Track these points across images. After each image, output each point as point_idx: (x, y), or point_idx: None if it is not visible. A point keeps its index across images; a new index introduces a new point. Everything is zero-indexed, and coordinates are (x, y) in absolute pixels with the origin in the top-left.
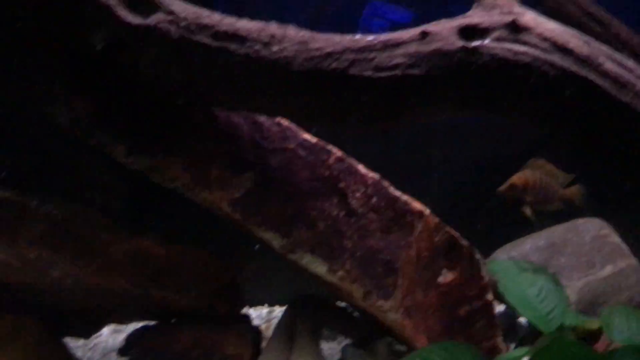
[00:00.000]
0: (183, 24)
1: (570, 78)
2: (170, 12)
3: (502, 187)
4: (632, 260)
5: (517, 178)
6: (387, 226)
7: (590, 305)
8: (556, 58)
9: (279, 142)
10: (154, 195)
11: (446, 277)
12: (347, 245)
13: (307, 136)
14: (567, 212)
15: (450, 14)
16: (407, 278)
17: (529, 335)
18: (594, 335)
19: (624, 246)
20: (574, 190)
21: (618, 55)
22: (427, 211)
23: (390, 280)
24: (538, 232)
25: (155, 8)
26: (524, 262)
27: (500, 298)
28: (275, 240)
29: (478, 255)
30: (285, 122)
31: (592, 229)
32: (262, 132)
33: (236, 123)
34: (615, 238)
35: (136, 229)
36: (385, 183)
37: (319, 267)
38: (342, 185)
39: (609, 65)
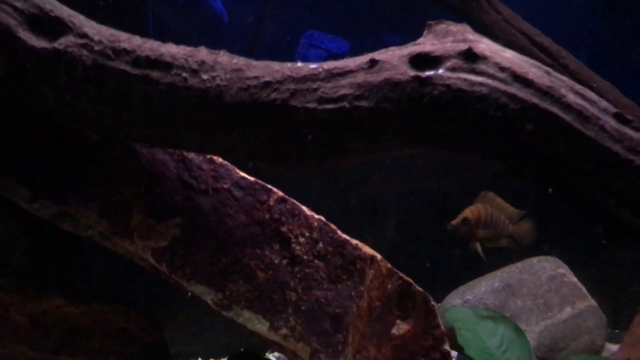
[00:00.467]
0: (97, 48)
1: (532, 111)
2: (83, 35)
3: (455, 221)
4: (591, 302)
5: (470, 212)
6: (335, 275)
7: (549, 351)
8: (515, 89)
9: (211, 181)
10: (64, 245)
11: (400, 328)
12: (291, 298)
13: (243, 174)
14: (515, 249)
15: (385, 44)
16: (358, 333)
17: None
18: None
19: (581, 286)
20: (524, 226)
21: (579, 87)
22: (378, 256)
23: (340, 337)
24: (492, 273)
25: (65, 30)
26: (483, 310)
27: (455, 347)
28: (207, 295)
29: (433, 302)
30: (217, 158)
31: (548, 268)
32: (192, 171)
33: (161, 161)
34: (572, 277)
35: (43, 286)
36: (332, 226)
37: (259, 325)
38: (284, 229)
39: (572, 98)
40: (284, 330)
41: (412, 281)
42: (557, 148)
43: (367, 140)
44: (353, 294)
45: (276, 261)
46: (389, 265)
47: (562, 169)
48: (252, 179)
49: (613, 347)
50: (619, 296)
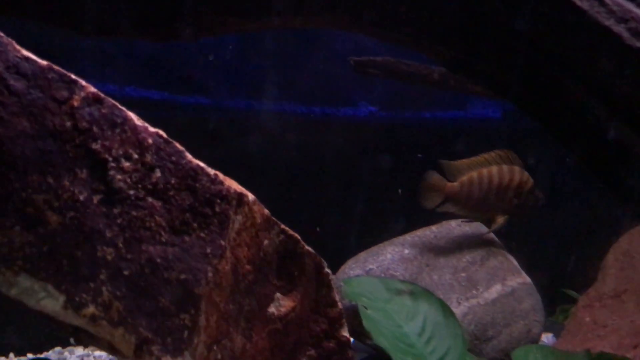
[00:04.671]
0: None
1: None
2: None
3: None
4: (525, 278)
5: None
6: (181, 221)
7: (475, 341)
8: None
9: None
10: None
11: (281, 305)
12: (105, 257)
13: (27, 54)
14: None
15: None
16: (217, 312)
17: None
18: None
19: (512, 258)
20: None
21: None
22: (250, 196)
23: (186, 319)
24: (401, 237)
25: None
26: (396, 281)
27: (355, 333)
28: None
29: (327, 269)
30: None
31: (470, 235)
32: None
33: None
34: (500, 247)
35: None
36: (177, 145)
37: (48, 301)
38: (96, 146)
39: None
40: (91, 309)
41: (299, 237)
42: (537, 25)
43: None
44: (209, 251)
45: (82, 197)
46: (266, 211)
47: (543, 58)
48: (43, 62)
49: (544, 337)
50: (544, 274)
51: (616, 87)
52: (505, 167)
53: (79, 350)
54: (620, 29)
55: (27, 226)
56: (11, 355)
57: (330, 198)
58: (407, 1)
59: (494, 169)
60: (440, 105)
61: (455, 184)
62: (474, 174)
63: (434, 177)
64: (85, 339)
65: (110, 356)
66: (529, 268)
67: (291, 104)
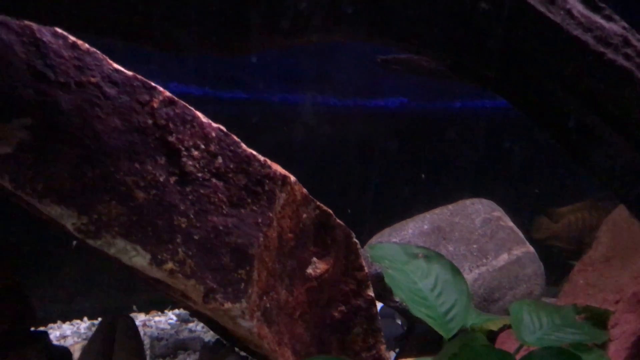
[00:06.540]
0: None
1: None
2: None
3: None
4: (529, 247)
5: None
6: (238, 197)
7: (484, 302)
8: None
9: (73, 73)
10: None
11: (317, 267)
12: (180, 225)
13: (117, 66)
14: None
15: None
16: (266, 269)
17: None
18: (490, 336)
19: (518, 230)
20: None
21: None
22: (292, 178)
23: (243, 273)
24: (421, 215)
25: None
26: (413, 247)
27: (379, 296)
28: (68, 219)
29: (355, 239)
30: (84, 44)
31: (482, 211)
32: (47, 58)
33: (4, 42)
34: (508, 221)
35: None
36: (234, 137)
37: (137, 258)
38: (172, 138)
39: None
40: (169, 265)
41: (331, 212)
42: (517, 35)
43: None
44: (260, 221)
45: (161, 179)
46: (304, 190)
47: (521, 61)
48: (129, 73)
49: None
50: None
51: (583, 82)
52: (590, 213)
53: (142, 316)
54: (587, 37)
55: (121, 201)
56: (85, 318)
57: (360, 184)
58: (414, 19)
59: (585, 214)
60: (469, 95)
61: (558, 225)
62: (572, 218)
63: (544, 220)
64: (164, 288)
65: (170, 320)
66: None
67: (325, 97)
